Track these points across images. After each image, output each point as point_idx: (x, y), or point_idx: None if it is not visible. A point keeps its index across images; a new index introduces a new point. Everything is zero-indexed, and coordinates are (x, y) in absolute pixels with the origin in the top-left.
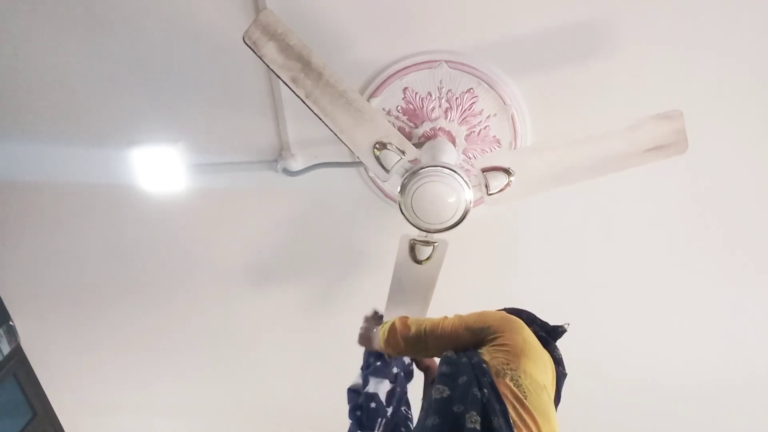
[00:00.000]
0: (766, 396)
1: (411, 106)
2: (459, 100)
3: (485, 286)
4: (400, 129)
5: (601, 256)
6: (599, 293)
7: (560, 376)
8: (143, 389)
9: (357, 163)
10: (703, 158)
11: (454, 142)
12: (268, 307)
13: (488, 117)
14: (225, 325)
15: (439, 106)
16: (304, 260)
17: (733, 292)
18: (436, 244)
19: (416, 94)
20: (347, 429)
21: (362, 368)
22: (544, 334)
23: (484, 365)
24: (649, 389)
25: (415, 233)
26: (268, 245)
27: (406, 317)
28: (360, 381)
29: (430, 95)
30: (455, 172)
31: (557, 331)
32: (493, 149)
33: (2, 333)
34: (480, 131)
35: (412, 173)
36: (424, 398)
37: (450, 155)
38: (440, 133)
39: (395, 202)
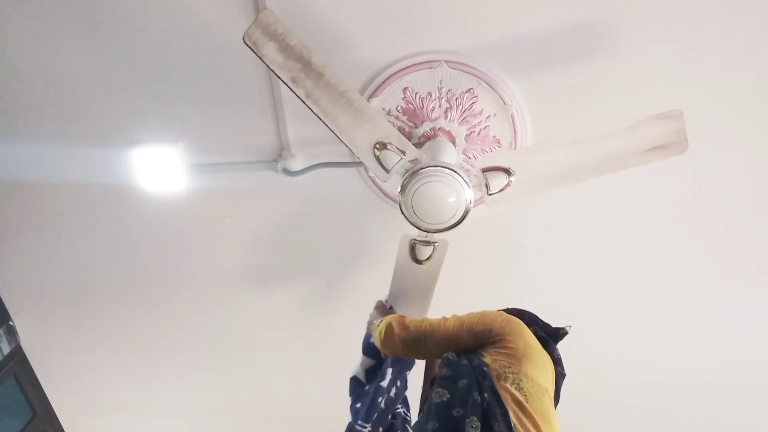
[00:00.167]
0: (766, 396)
1: (411, 106)
2: (459, 100)
3: (485, 286)
4: (400, 129)
5: (601, 256)
6: (599, 293)
7: (559, 376)
8: (143, 389)
9: (357, 163)
10: (703, 158)
11: (454, 142)
12: (268, 307)
13: (488, 117)
14: (225, 325)
15: (439, 106)
16: (304, 260)
17: (734, 292)
18: (436, 244)
19: (416, 94)
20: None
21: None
22: (543, 335)
23: (485, 368)
24: (650, 389)
25: (416, 233)
26: (268, 245)
27: (404, 317)
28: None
29: (430, 95)
30: (455, 171)
31: (559, 333)
32: (493, 149)
33: (2, 333)
34: (480, 131)
35: (412, 173)
36: (423, 396)
37: (450, 155)
38: (440, 133)
39: (395, 202)
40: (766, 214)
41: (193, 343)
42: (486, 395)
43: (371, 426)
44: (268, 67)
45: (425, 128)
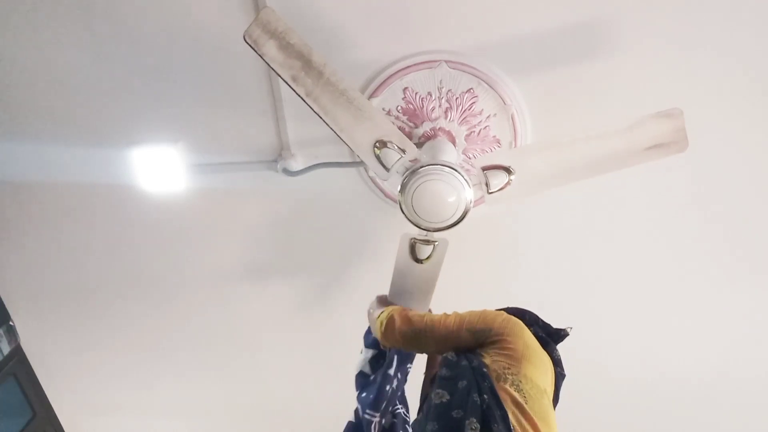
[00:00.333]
0: (766, 396)
1: (411, 106)
2: (459, 100)
3: (486, 285)
4: (400, 129)
5: (601, 256)
6: (599, 293)
7: (559, 377)
8: (143, 389)
9: (357, 163)
10: (703, 157)
11: (454, 142)
12: (268, 306)
13: (488, 117)
14: (225, 325)
15: (439, 106)
16: (304, 260)
17: (734, 292)
18: (436, 243)
19: (416, 94)
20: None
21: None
22: (543, 335)
23: (485, 369)
24: (650, 389)
25: (416, 232)
26: (268, 245)
27: (406, 310)
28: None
29: (430, 95)
30: (455, 170)
31: (559, 335)
32: (493, 149)
33: (2, 333)
34: (480, 131)
35: (412, 172)
36: (423, 392)
37: (450, 155)
38: (440, 133)
39: (395, 201)
40: (766, 214)
41: (193, 342)
42: (485, 397)
43: (380, 415)
44: (269, 65)
45: (425, 128)
